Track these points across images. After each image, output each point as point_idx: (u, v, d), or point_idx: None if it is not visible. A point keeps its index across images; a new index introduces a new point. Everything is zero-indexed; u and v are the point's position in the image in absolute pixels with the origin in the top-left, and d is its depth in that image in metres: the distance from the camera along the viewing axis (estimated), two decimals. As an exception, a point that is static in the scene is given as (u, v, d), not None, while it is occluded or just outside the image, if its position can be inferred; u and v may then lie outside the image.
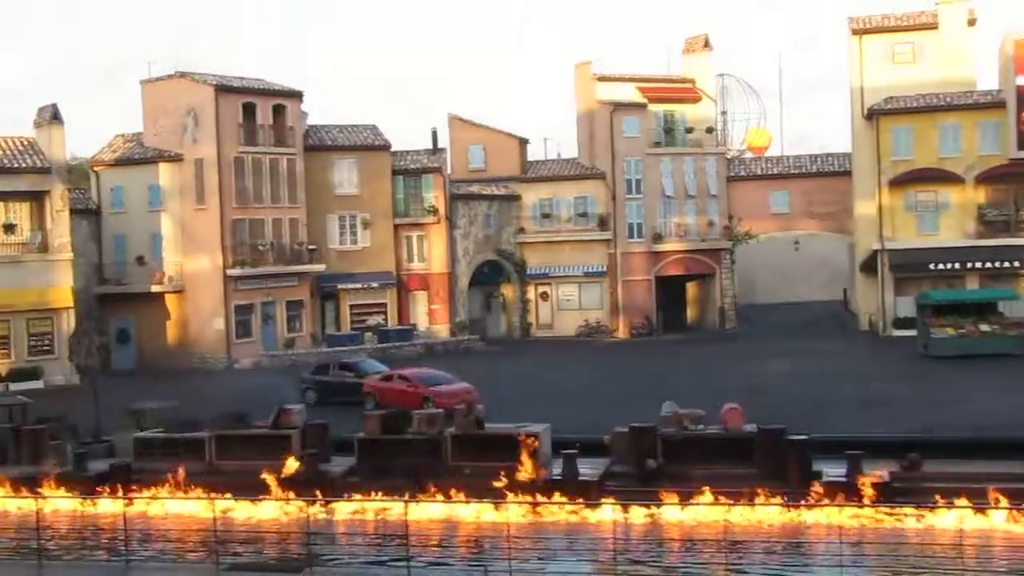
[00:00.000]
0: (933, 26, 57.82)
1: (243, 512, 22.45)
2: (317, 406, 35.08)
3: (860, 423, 29.98)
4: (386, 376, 38.06)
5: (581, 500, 22.02)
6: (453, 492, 22.52)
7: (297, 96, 56.64)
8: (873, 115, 56.40)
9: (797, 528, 20.75)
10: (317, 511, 21.93)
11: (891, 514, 20.39)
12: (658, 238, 61.21)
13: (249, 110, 54.26)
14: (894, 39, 58.41)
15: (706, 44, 63.86)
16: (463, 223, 60.26)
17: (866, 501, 20.97)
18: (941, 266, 54.34)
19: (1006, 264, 53.84)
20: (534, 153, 67.42)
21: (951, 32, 57.58)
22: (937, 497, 20.54)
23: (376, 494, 22.81)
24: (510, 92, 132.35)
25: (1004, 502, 20.15)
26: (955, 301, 48.05)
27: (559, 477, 23.69)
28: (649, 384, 38.48)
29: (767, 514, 20.98)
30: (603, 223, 61.35)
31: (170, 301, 53.95)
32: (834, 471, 23.00)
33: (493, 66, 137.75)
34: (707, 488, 21.83)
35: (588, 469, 24.00)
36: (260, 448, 25.72)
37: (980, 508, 20.04)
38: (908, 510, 20.36)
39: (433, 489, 22.86)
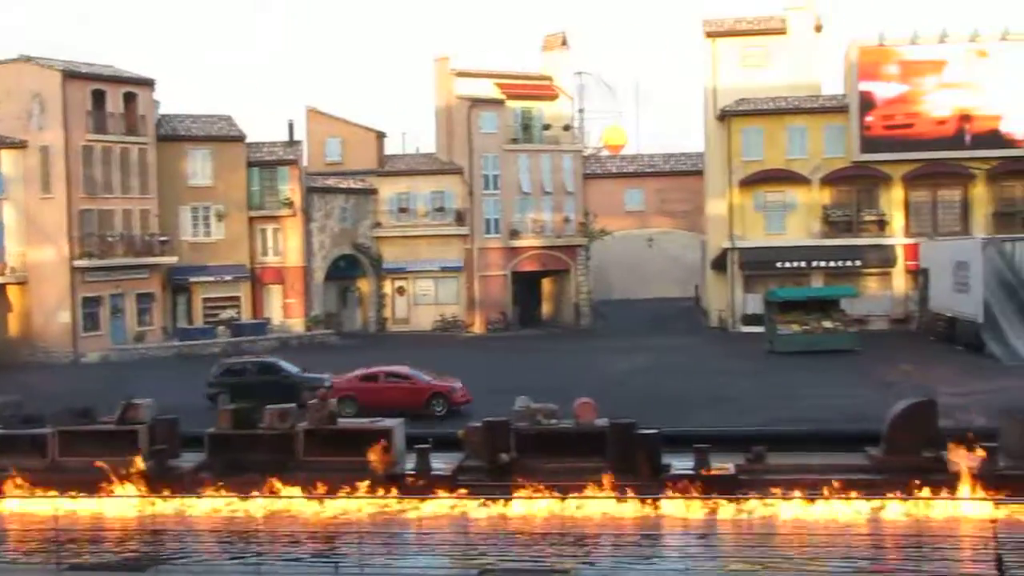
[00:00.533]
0: (782, 31, 59.49)
1: (87, 510, 21.83)
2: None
3: (709, 417, 30.67)
4: (367, 376, 34.91)
5: (431, 494, 22.00)
6: (305, 488, 22.29)
7: (149, 84, 55.31)
8: (725, 116, 57.78)
9: (648, 521, 21.10)
10: (164, 508, 21.46)
11: (735, 503, 20.90)
12: (514, 234, 61.59)
13: (99, 97, 52.80)
14: (745, 42, 59.91)
15: (564, 42, 64.52)
16: (319, 216, 59.66)
17: (694, 493, 21.41)
18: (788, 264, 56.02)
19: (848, 263, 55.79)
20: (392, 147, 67.27)
21: (799, 37, 59.36)
22: (777, 490, 21.14)
23: (226, 490, 22.42)
24: (369, 86, 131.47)
25: (845, 492, 20.85)
26: (800, 298, 49.54)
27: (412, 472, 23.64)
28: (503, 379, 38.69)
29: (617, 507, 21.28)
30: (460, 218, 61.46)
31: (12, 293, 52.13)
32: (682, 464, 23.48)
33: (352, 59, 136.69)
34: (554, 482, 22.03)
35: (441, 464, 24.01)
36: (106, 444, 24.98)
37: (812, 498, 20.66)
38: (752, 503, 20.88)
39: (285, 485, 22.58)
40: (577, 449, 24.11)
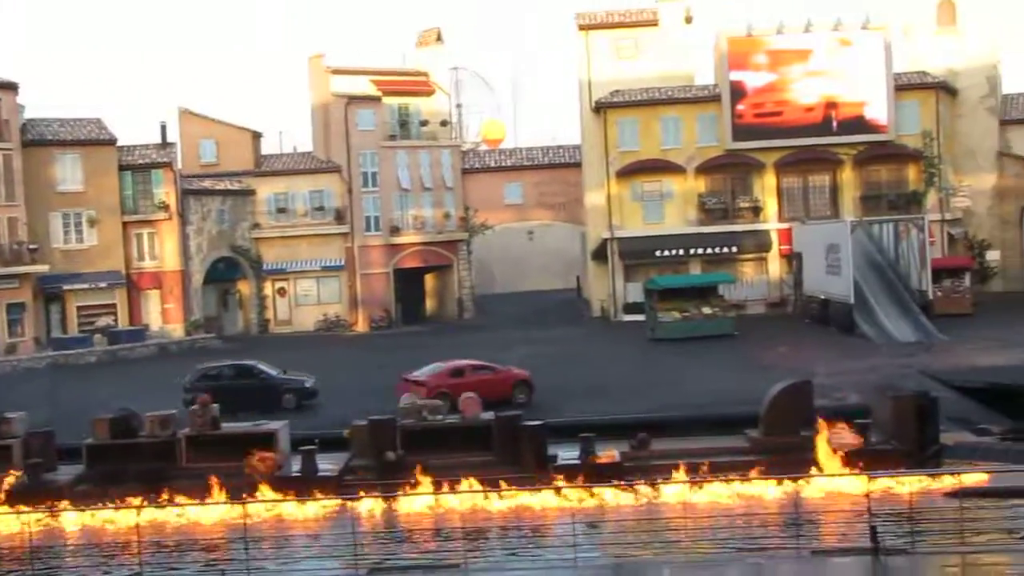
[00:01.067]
0: (654, 23, 60.22)
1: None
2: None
3: (593, 406, 31.00)
4: (455, 370, 33.82)
5: (319, 496, 21.88)
6: (189, 495, 21.95)
7: (12, 88, 53.64)
8: (600, 108, 58.35)
9: (536, 512, 21.29)
10: (40, 522, 20.91)
11: (622, 489, 21.21)
12: (395, 231, 61.36)
13: (-42, 102, 51.09)
14: (618, 35, 60.50)
15: (439, 38, 64.43)
16: (196, 219, 58.57)
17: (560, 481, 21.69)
18: (666, 253, 56.81)
19: (725, 249, 56.83)
20: (268, 147, 66.32)
21: (670, 29, 60.15)
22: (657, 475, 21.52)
23: (105, 502, 21.97)
24: (243, 85, 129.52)
25: (727, 474, 21.33)
26: (679, 286, 50.20)
27: (298, 474, 23.48)
28: (388, 376, 38.50)
29: (506, 499, 21.42)
30: (340, 217, 60.98)
31: None
32: (568, 454, 23.76)
33: (225, 59, 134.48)
34: (443, 477, 22.09)
35: (328, 464, 23.90)
36: (-23, 460, 24.30)
37: (695, 481, 21.10)
38: (638, 489, 21.21)
39: (168, 493, 22.22)
40: (463, 444, 24.26)
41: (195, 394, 32.84)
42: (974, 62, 60.06)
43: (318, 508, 21.53)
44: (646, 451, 24.12)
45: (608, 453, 23.57)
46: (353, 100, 60.53)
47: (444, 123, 63.58)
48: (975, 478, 20.96)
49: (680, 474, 21.57)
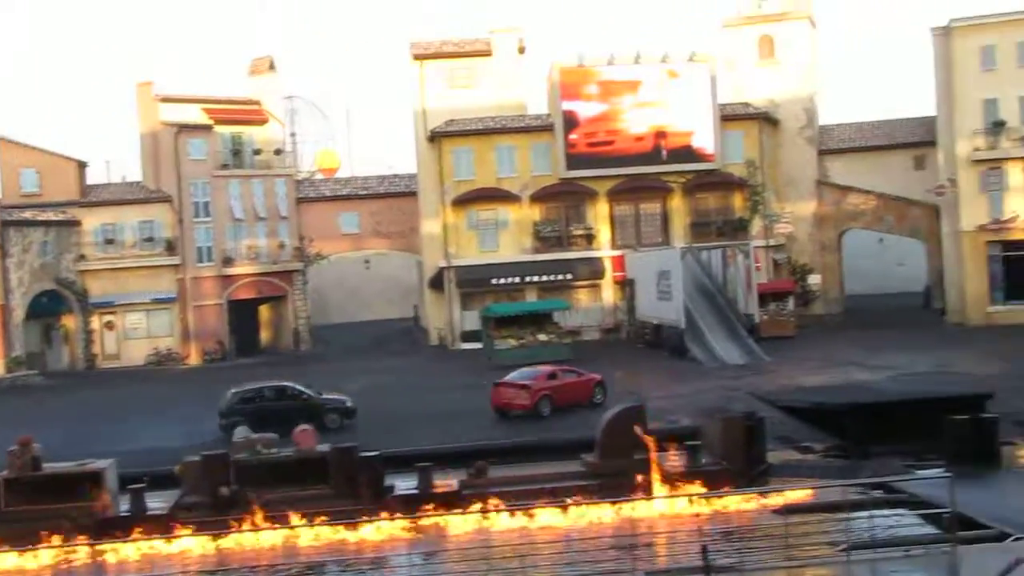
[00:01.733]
0: (487, 53, 60.85)
1: None
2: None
3: (431, 435, 30.95)
4: (549, 374, 35.54)
5: (151, 535, 21.24)
6: (10, 543, 21.01)
7: None
8: (435, 137, 58.59)
9: (374, 544, 21.09)
10: None
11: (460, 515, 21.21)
12: (228, 261, 60.26)
13: None
14: (452, 64, 60.92)
15: (271, 66, 63.75)
16: (16, 251, 56.33)
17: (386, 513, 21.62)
18: (503, 280, 57.29)
19: (559, 277, 57.62)
20: (95, 176, 64.37)
21: (504, 58, 60.87)
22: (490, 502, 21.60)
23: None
24: (67, 114, 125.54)
25: (564, 498, 21.55)
26: (515, 313, 50.76)
27: (127, 513, 22.76)
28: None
29: (343, 532, 21.17)
30: (171, 247, 59.59)
31: None
32: (406, 484, 23.66)
33: (47, 86, 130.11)
34: (278, 512, 21.73)
35: (158, 502, 23.24)
36: None
37: (532, 507, 21.21)
38: (475, 517, 21.25)
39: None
40: (299, 477, 23.90)
41: (234, 419, 32.31)
42: (793, 94, 62.62)
43: (148, 547, 20.89)
44: (484, 479, 24.19)
45: (446, 482, 23.57)
46: (184, 128, 59.34)
47: (278, 152, 62.87)
48: (799, 495, 21.66)
49: (519, 500, 21.69)
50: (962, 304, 54.00)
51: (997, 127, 52.63)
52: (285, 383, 36.47)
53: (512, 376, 35.58)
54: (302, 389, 35.41)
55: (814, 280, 61.41)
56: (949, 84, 53.90)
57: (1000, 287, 53.52)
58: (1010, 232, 52.86)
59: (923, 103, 70.25)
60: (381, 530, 21.12)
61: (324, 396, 35.33)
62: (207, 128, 60.10)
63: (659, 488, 22.31)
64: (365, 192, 64.60)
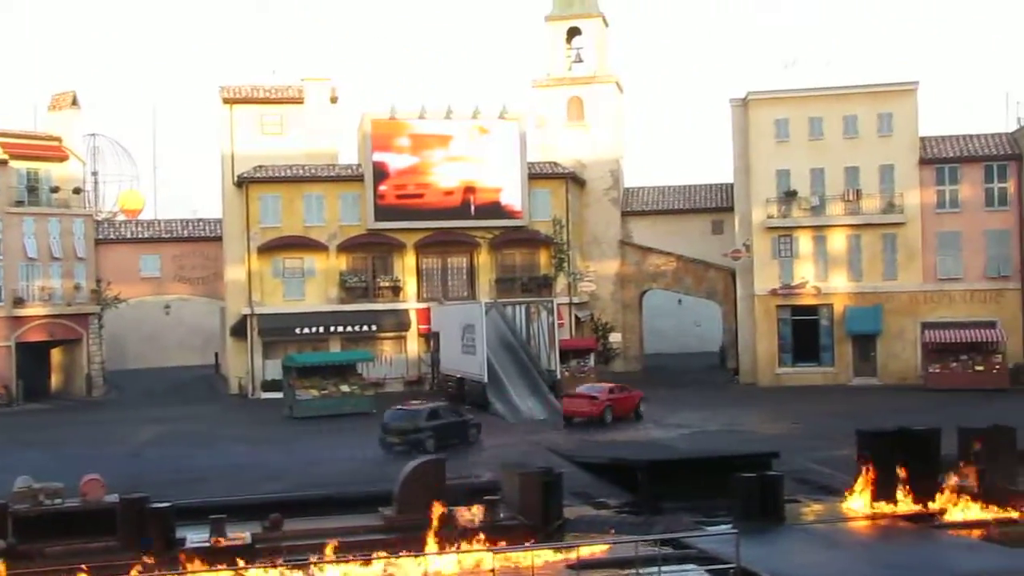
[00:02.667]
0: (299, 100, 60.50)
1: None
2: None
3: (227, 486, 30.24)
4: (610, 388, 43.75)
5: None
6: None
7: None
8: (243, 182, 57.75)
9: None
10: None
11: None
12: (19, 302, 57.65)
13: None
14: (263, 110, 60.30)
15: (74, 101, 61.74)
16: None
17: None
18: (307, 330, 56.65)
19: (364, 328, 57.34)
20: None
21: (315, 107, 60.61)
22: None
23: None
24: None
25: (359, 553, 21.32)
26: (318, 363, 50.07)
27: None
28: (4, 458, 36.01)
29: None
30: (-44, 285, 56.70)
31: None
32: (198, 536, 23.01)
33: None
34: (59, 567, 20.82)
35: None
36: None
37: (321, 562, 20.88)
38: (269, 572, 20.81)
39: None
40: (85, 529, 22.96)
41: (421, 435, 35.92)
42: (600, 156, 64.51)
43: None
44: (279, 532, 23.74)
45: (239, 535, 23.03)
46: (-25, 162, 56.77)
47: (77, 191, 60.76)
48: (593, 550, 22.02)
49: (312, 555, 21.35)
50: (754, 365, 56.18)
51: (789, 196, 55.24)
52: (437, 403, 40.14)
53: (581, 389, 44.12)
54: (454, 408, 40.50)
55: (615, 338, 62.91)
56: (745, 154, 56.40)
57: (788, 349, 55.96)
58: (799, 297, 55.41)
59: (722, 170, 73.33)
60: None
61: (466, 415, 39.62)
62: (1, 163, 57.64)
63: (459, 542, 22.32)
64: (168, 235, 62.95)
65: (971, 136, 55.88)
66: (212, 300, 63.98)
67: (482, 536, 22.37)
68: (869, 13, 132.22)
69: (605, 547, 22.23)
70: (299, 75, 61.73)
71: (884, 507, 24.78)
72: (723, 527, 23.39)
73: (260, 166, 58.19)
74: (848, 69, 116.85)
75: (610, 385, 44.46)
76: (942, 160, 54.60)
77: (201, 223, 64.25)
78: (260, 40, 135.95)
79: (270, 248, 57.25)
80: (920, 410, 40.33)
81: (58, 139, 60.65)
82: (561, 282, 59.45)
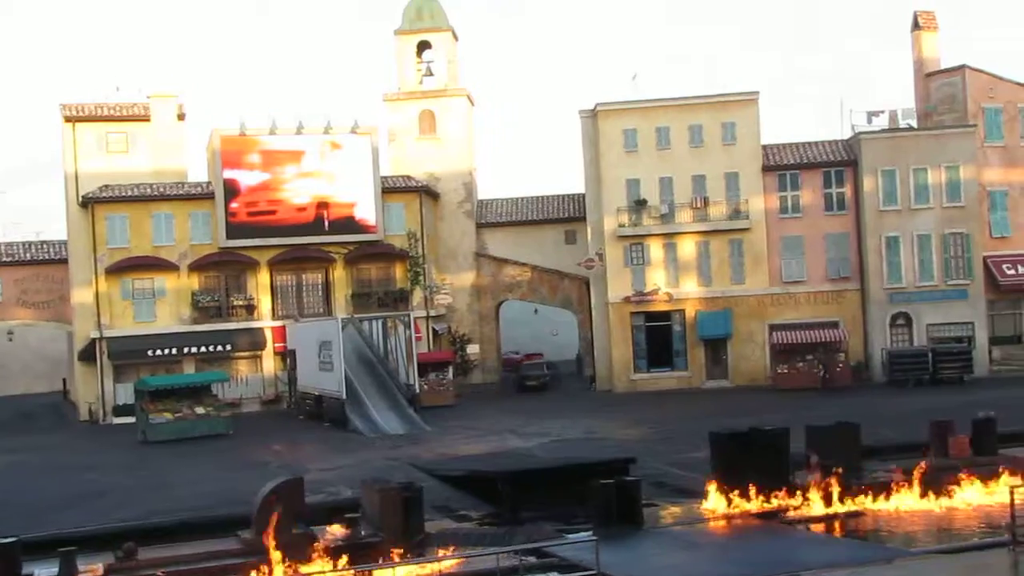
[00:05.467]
0: (146, 118, 59.22)
1: None
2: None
3: (77, 517, 29.36)
4: None
5: None
6: None
7: None
8: (88, 203, 56.23)
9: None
10: None
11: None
12: None
13: None
14: (108, 128, 58.88)
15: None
16: None
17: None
18: (160, 352, 55.40)
19: (219, 348, 56.36)
20: None
21: (162, 124, 59.40)
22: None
23: None
24: None
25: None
26: (171, 386, 48.84)
27: None
28: None
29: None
30: None
31: None
32: (47, 572, 22.32)
33: None
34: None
35: None
36: None
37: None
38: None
39: None
40: (-74, 568, 22.03)
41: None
42: (453, 168, 64.77)
43: None
44: (133, 561, 23.15)
45: (91, 568, 22.40)
46: None
47: (-90, 214, 58.35)
48: (454, 563, 22.08)
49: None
50: (609, 372, 57.05)
51: (639, 205, 56.28)
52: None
53: None
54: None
55: (473, 350, 63.16)
56: (596, 163, 57.27)
57: (643, 355, 56.98)
58: (652, 303, 56.48)
59: (573, 181, 74.33)
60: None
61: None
62: None
63: (319, 562, 22.14)
64: (10, 259, 60.75)
65: (810, 143, 57.79)
66: (59, 324, 62.00)
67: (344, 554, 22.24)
68: (711, 25, 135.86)
69: (465, 559, 22.30)
70: (145, 91, 60.41)
71: (738, 506, 25.44)
72: (583, 534, 23.72)
73: (106, 185, 56.74)
74: (692, 80, 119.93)
75: None
76: (783, 167, 56.36)
77: (45, 245, 62.24)
78: (103, 55, 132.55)
79: (119, 269, 55.83)
80: (770, 410, 41.51)
81: None
82: (417, 295, 59.46)
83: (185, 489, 33.42)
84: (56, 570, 21.92)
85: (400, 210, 60.05)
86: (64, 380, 69.44)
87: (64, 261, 59.39)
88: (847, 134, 57.67)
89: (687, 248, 56.42)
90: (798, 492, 25.90)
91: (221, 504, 29.50)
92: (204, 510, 28.98)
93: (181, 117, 60.41)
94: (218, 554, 23.51)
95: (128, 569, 22.75)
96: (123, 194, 56.61)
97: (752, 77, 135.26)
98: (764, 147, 56.77)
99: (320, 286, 59.12)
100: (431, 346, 59.06)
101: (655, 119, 56.52)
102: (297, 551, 22.73)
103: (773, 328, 55.44)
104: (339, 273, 58.94)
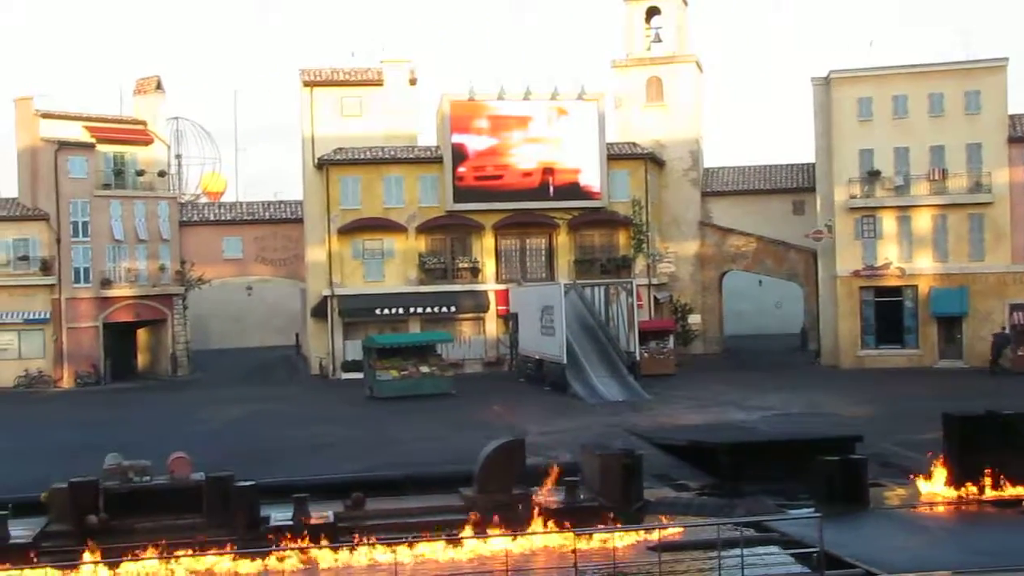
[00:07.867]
0: (379, 83, 60.85)
1: None
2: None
3: (309, 466, 30.60)
4: None
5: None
6: None
7: None
8: (323, 165, 58.27)
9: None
10: None
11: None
12: (107, 283, 58.89)
13: None
14: (343, 92, 60.75)
15: (158, 86, 62.72)
16: None
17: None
18: (386, 311, 57.03)
19: (443, 309, 57.60)
20: (-33, 192, 62.46)
21: (395, 89, 60.93)
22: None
23: None
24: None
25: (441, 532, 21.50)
26: (398, 344, 50.23)
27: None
28: (95, 435, 36.82)
29: (219, 564, 20.75)
30: (46, 267, 57.98)
31: None
32: (281, 515, 23.33)
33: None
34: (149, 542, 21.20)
35: (22, 531, 22.49)
36: None
37: (411, 540, 21.04)
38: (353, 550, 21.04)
39: None
40: (172, 506, 23.41)
41: None
42: (679, 136, 63.93)
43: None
44: (361, 511, 23.97)
45: (322, 514, 23.30)
46: (64, 146, 57.99)
47: (162, 174, 61.82)
48: (674, 532, 21.93)
49: (398, 534, 21.54)
50: (835, 347, 55.45)
51: (872, 176, 54.32)
52: None
53: None
54: None
55: (695, 320, 62.48)
56: (828, 133, 55.55)
57: (871, 331, 55.12)
58: (882, 278, 54.53)
59: (803, 150, 72.31)
60: (252, 560, 20.75)
61: None
62: (89, 146, 58.81)
63: (536, 523, 22.37)
64: (250, 217, 63.72)
65: (1064, 113, 54.45)
66: (293, 281, 64.73)
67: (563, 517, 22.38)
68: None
69: (685, 529, 22.12)
70: (378, 57, 62.20)
71: (971, 492, 24.31)
72: (806, 511, 23.15)
73: (340, 148, 58.65)
74: (932, 46, 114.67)
75: None
76: (1033, 138, 53.30)
77: (282, 205, 65.00)
78: (339, 23, 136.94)
79: (350, 230, 57.71)
80: (1008, 393, 39.49)
81: (143, 123, 61.70)
82: (640, 263, 59.17)
83: (410, 445, 34.35)
84: (290, 514, 22.89)
85: (624, 177, 59.80)
86: (296, 335, 72.40)
87: (300, 220, 61.79)
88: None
89: (922, 222, 54.13)
90: (1039, 480, 24.51)
91: (444, 461, 30.16)
92: (428, 465, 29.73)
93: (413, 82, 61.78)
94: (442, 509, 24.07)
95: (356, 518, 23.57)
96: (356, 157, 58.39)
97: (1002, 42, 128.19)
98: (1012, 117, 53.80)
99: (543, 251, 59.57)
100: (652, 314, 58.71)
101: (892, 87, 54.34)
102: (516, 512, 23.04)
103: (1014, 308, 52.63)
104: (562, 239, 59.22)
